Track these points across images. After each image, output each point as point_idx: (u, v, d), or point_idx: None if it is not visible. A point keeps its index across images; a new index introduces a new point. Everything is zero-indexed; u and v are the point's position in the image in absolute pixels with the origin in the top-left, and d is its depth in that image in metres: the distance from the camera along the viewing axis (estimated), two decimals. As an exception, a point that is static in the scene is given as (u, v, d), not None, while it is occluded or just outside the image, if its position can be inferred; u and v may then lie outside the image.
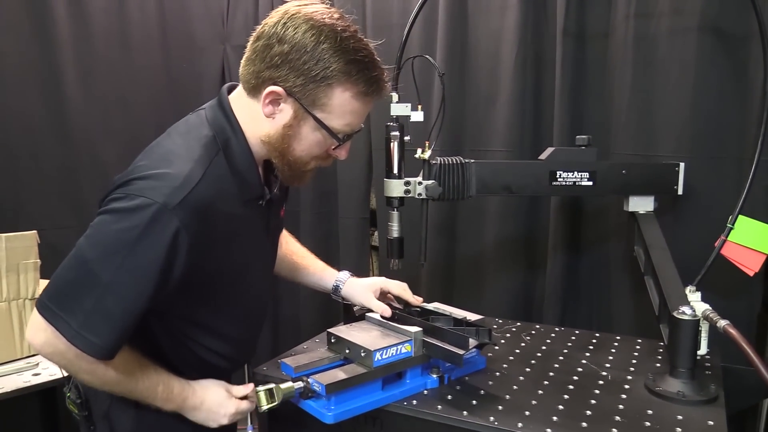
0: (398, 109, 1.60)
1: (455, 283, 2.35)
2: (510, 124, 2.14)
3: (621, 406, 1.34)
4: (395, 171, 1.62)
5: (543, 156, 1.74)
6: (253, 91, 1.20)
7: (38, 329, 1.12)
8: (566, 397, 1.40)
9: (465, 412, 1.31)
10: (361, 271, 2.73)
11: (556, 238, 2.10)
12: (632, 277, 1.99)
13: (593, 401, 1.37)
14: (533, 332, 1.86)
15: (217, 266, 1.22)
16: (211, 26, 2.88)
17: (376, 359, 1.35)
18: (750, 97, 1.76)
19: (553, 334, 1.84)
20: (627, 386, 1.46)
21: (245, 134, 1.23)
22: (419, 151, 1.64)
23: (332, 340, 1.48)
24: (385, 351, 1.37)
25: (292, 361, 1.41)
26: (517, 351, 1.70)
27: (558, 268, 2.10)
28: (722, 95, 1.81)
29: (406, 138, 1.62)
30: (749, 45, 1.74)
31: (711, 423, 1.26)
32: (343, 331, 1.50)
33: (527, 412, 1.32)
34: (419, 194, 1.61)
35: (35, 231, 1.81)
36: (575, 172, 1.70)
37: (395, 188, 1.61)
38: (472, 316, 1.56)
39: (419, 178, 1.63)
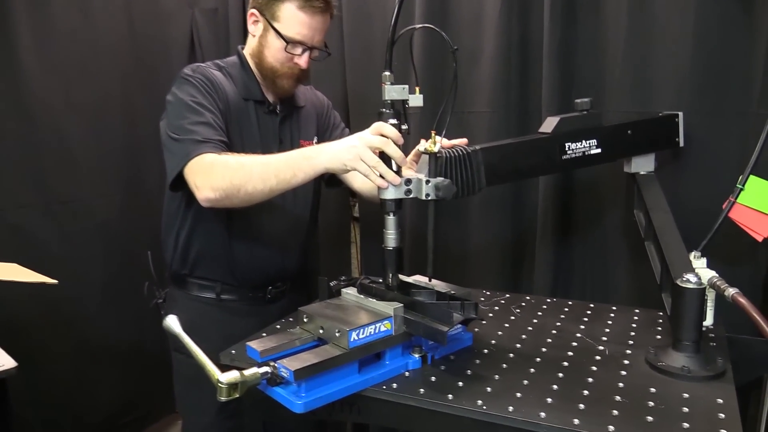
0: (393, 92, 1.33)
1: (438, 253, 2.20)
2: (495, 81, 2.00)
3: (621, 384, 1.23)
4: (393, 166, 1.33)
5: (546, 128, 1.54)
6: (248, 24, 1.72)
7: (194, 183, 1.49)
8: (561, 375, 1.28)
9: (450, 396, 1.19)
10: (342, 243, 2.61)
11: (546, 202, 1.98)
12: (628, 243, 1.88)
13: (590, 379, 1.26)
14: (524, 304, 1.75)
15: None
16: (179, -12, 2.71)
17: (351, 339, 1.22)
18: (755, 44, 1.63)
19: (545, 306, 1.73)
20: (626, 361, 1.34)
21: (251, 65, 1.74)
22: (423, 142, 1.39)
23: (305, 319, 1.36)
24: (361, 330, 1.24)
25: (258, 344, 1.29)
26: (507, 325, 1.58)
27: (548, 234, 1.98)
28: (725, 44, 1.67)
29: (404, 127, 1.37)
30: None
31: (720, 401, 1.15)
32: (316, 309, 1.38)
33: (519, 394, 1.20)
34: (427, 195, 1.32)
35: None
36: (583, 141, 1.52)
37: (392, 188, 1.33)
38: (457, 289, 1.43)
39: (422, 175, 1.34)
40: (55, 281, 1.76)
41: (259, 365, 1.19)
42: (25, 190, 2.30)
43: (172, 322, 1.29)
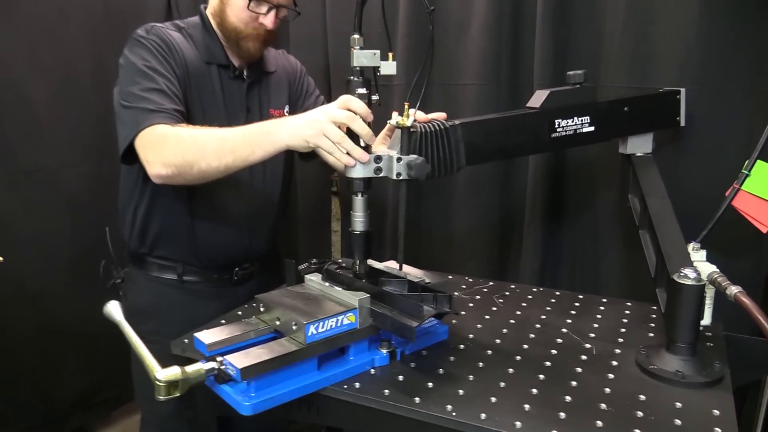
0: (363, 57, 1.20)
1: (421, 236, 2.09)
2: (484, 52, 1.84)
3: (607, 390, 1.11)
4: (361, 143, 1.20)
5: (534, 102, 1.40)
6: None
7: (144, 158, 1.37)
8: (542, 377, 1.16)
9: (417, 399, 1.08)
10: (323, 220, 2.48)
11: (535, 185, 1.84)
12: (622, 231, 1.76)
13: (574, 383, 1.14)
14: (507, 293, 1.63)
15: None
16: (154, -54, 2.54)
17: (309, 333, 1.10)
18: (765, 15, 1.49)
19: (530, 296, 1.61)
20: (615, 363, 1.22)
21: (213, 26, 1.59)
22: (395, 116, 1.25)
23: (261, 309, 1.24)
24: (321, 323, 1.12)
25: (206, 336, 1.16)
26: (487, 317, 1.46)
27: (537, 218, 1.85)
28: (732, 15, 1.53)
29: (374, 97, 1.24)
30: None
31: (717, 413, 1.03)
32: (274, 297, 1.26)
33: (493, 398, 1.08)
34: (398, 174, 1.19)
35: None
36: (575, 118, 1.39)
37: (360, 166, 1.20)
38: (432, 278, 1.30)
39: (395, 152, 1.21)
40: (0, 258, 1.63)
41: (206, 360, 1.08)
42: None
43: (113, 309, 1.18)
